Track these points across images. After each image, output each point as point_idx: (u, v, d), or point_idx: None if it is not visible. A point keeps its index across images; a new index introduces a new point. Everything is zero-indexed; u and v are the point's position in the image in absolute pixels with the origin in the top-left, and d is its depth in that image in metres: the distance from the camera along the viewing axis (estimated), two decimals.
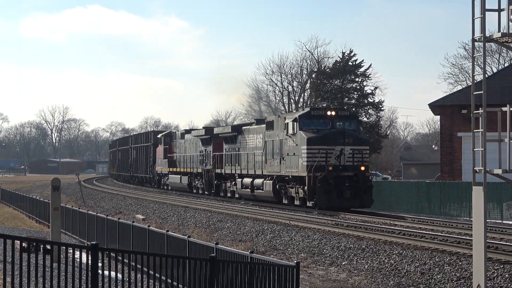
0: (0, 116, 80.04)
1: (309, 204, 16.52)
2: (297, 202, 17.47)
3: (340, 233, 13.41)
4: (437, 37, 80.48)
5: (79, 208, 15.60)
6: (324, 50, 42.26)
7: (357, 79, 36.63)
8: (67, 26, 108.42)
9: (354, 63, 36.31)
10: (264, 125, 19.82)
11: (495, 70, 32.64)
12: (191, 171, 25.61)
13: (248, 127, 22.13)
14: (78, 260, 5.58)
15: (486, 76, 7.87)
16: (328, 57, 41.59)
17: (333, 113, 17.23)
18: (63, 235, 12.58)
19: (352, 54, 36.31)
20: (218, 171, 23.26)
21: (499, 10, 6.08)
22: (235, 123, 39.85)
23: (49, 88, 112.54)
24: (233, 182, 22.30)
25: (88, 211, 14.18)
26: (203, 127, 27.66)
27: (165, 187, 29.78)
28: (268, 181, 18.78)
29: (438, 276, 9.08)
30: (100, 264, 4.41)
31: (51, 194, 10.16)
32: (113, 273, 5.05)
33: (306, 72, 42.22)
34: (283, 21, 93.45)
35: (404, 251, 10.92)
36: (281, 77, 43.04)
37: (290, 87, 43.26)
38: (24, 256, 4.41)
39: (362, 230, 13.44)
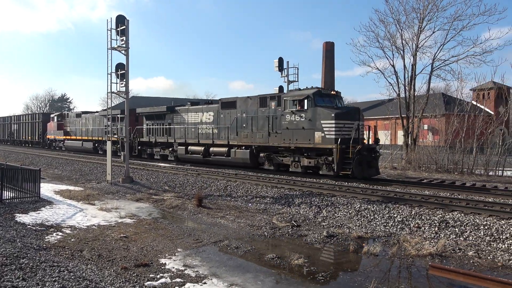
0: None
1: (324, 172, 16.62)
2: (296, 169, 17.86)
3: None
4: None
5: None
6: None
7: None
8: None
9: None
10: (216, 105, 22.10)
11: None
12: (97, 139, 32.76)
13: (187, 107, 24.58)
14: None
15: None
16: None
17: (334, 92, 17.91)
18: None
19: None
20: (144, 139, 27.70)
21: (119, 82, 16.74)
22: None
23: None
24: (170, 149, 25.42)
25: None
26: (120, 109, 31.50)
27: (57, 148, 40.30)
28: (243, 150, 19.85)
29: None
30: None
31: None
32: None
33: None
34: None
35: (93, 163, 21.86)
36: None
37: None
38: None
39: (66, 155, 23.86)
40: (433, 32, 27.84)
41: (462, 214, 10.31)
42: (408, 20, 28.07)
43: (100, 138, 32.83)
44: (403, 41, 27.99)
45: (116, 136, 28.18)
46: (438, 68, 27.59)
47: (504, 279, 6.23)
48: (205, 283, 6.69)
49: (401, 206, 11.41)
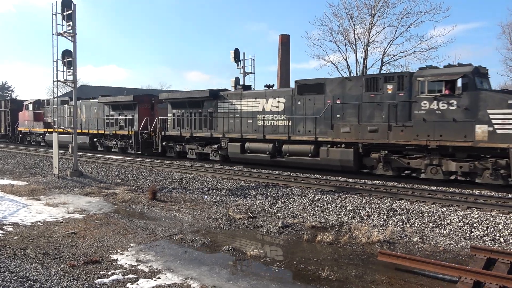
0: None
1: (486, 181, 12.53)
2: (435, 176, 13.53)
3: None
4: None
5: None
6: None
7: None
8: None
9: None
10: (289, 89, 18.03)
11: None
12: (96, 132, 27.31)
13: (238, 91, 19.73)
14: None
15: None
16: None
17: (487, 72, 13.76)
18: None
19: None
20: (171, 133, 22.15)
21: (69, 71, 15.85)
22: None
23: None
24: (215, 146, 20.19)
25: None
26: (133, 95, 26.39)
27: (34, 143, 34.43)
28: (341, 148, 15.45)
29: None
30: None
31: None
32: None
33: None
34: None
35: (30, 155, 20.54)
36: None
37: None
38: None
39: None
40: (383, 28, 29.00)
41: (408, 202, 10.88)
42: (360, 15, 29.01)
43: (100, 131, 27.17)
44: (356, 36, 28.90)
45: (117, 128, 24.52)
46: (388, 63, 28.82)
47: (445, 263, 6.67)
48: (159, 278, 6.55)
49: (353, 195, 11.84)
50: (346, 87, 15.73)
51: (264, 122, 18.33)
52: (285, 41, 38.39)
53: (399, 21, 28.47)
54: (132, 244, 8.34)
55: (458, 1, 70.80)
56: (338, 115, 15.89)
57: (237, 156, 18.98)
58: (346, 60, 30.18)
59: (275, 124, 18.03)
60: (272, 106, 18.20)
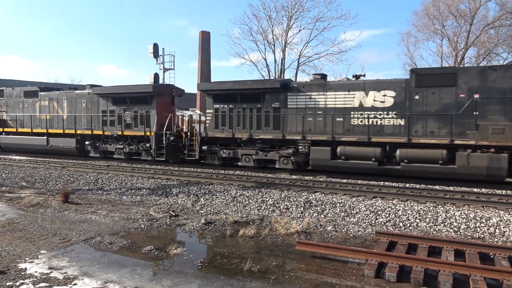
0: None
1: None
2: None
3: None
4: None
5: None
6: None
7: None
8: None
9: None
10: (400, 79, 14.71)
11: None
12: (90, 133, 21.31)
13: (321, 82, 15.89)
14: None
15: None
16: None
17: None
18: None
19: None
20: (219, 134, 17.86)
21: None
22: None
23: None
24: (289, 150, 16.14)
25: None
26: (152, 84, 20.25)
27: None
28: (489, 153, 12.68)
29: None
30: None
31: None
32: None
33: None
34: None
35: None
36: None
37: None
38: None
39: None
40: (300, 30, 30.51)
41: (323, 195, 11.71)
42: (278, 17, 30.13)
43: (96, 132, 21.13)
44: (274, 36, 29.97)
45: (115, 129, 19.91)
46: (304, 63, 30.38)
47: (354, 247, 7.35)
48: (75, 284, 6.21)
49: (272, 190, 12.36)
50: (489, 79, 13.27)
51: (364, 121, 15.12)
52: (205, 38, 38.23)
53: (313, 24, 30.19)
54: (42, 251, 7.74)
55: (365, 9, 77.11)
56: (475, 113, 13.38)
57: (324, 164, 15.36)
58: (265, 59, 31.12)
59: (379, 123, 14.83)
60: (374, 100, 14.91)
